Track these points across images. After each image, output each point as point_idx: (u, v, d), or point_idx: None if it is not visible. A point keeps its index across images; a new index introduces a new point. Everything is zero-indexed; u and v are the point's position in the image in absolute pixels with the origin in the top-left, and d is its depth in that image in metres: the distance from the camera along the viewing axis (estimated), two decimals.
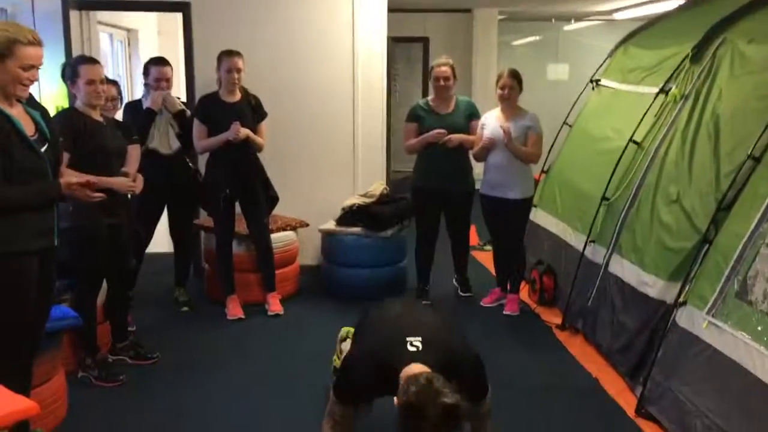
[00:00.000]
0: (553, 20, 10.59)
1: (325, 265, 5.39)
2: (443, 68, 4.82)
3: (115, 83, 4.52)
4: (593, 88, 5.40)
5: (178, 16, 5.56)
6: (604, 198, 4.30)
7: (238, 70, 4.53)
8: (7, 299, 2.68)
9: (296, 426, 3.35)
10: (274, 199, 4.90)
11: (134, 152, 3.94)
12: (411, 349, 2.42)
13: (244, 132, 4.50)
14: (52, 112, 3.46)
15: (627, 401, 3.53)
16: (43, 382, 3.11)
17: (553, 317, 4.74)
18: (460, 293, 5.16)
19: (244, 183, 4.68)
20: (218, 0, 5.44)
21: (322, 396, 3.41)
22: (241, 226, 4.91)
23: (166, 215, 4.92)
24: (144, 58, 7.21)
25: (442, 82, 4.81)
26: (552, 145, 5.56)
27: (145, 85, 4.77)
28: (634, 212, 4.01)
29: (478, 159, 4.83)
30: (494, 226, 4.93)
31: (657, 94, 4.18)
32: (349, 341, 3.34)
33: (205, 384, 3.78)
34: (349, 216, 5.22)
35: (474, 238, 6.36)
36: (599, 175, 4.46)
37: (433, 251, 5.08)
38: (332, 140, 5.70)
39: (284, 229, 5.17)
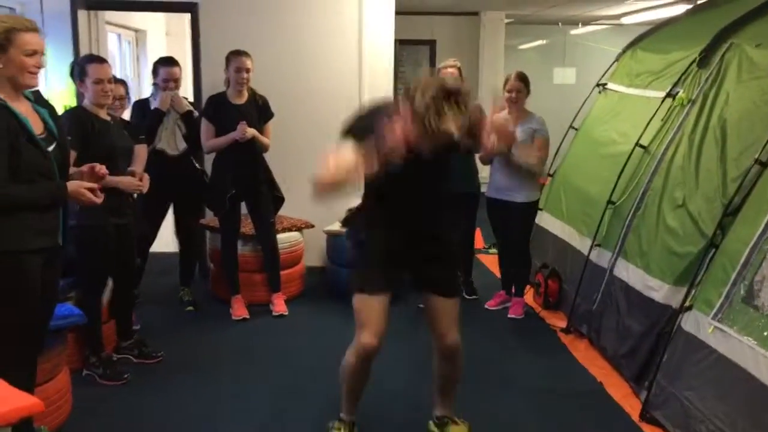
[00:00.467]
0: (560, 24, 10.58)
1: (330, 266, 5.39)
2: (450, 69, 4.81)
3: (122, 82, 4.54)
4: (600, 92, 5.39)
5: (186, 17, 5.59)
6: (609, 202, 4.29)
7: (247, 70, 4.54)
8: (12, 297, 2.68)
9: (300, 426, 3.34)
10: (279, 200, 4.91)
11: (141, 152, 3.96)
12: None
13: (251, 132, 4.51)
14: (59, 111, 3.47)
15: (631, 406, 3.51)
16: (48, 379, 3.12)
17: (557, 321, 4.73)
18: (465, 296, 5.15)
19: (251, 183, 4.69)
20: (226, 1, 5.46)
21: (326, 396, 3.42)
22: (246, 227, 4.92)
23: (172, 215, 4.94)
24: (152, 58, 7.24)
25: None
26: (558, 149, 5.55)
27: (154, 84, 4.78)
28: (640, 216, 4.00)
29: (484, 162, 4.83)
30: (499, 230, 4.93)
31: (664, 98, 4.17)
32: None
33: (209, 383, 3.78)
34: (354, 217, 5.20)
35: (479, 241, 6.35)
36: (605, 179, 4.45)
37: None
38: (339, 141, 5.69)
39: (289, 230, 5.17)
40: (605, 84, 5.33)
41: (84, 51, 5.13)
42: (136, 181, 3.74)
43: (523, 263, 4.90)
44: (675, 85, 4.13)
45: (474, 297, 5.17)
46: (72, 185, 2.77)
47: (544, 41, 11.08)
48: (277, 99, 4.92)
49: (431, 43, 10.17)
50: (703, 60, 3.95)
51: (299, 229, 5.28)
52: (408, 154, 2.49)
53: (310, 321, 4.79)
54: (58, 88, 5.19)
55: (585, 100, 5.54)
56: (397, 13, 5.67)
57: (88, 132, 3.56)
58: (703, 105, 3.78)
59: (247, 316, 4.75)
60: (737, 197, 3.21)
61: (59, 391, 3.21)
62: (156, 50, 7.68)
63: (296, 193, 5.24)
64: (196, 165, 4.89)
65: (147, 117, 4.58)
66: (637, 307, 3.80)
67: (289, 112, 5.33)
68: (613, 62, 5.45)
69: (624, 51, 5.39)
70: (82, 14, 5.24)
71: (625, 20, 9.64)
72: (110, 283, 3.91)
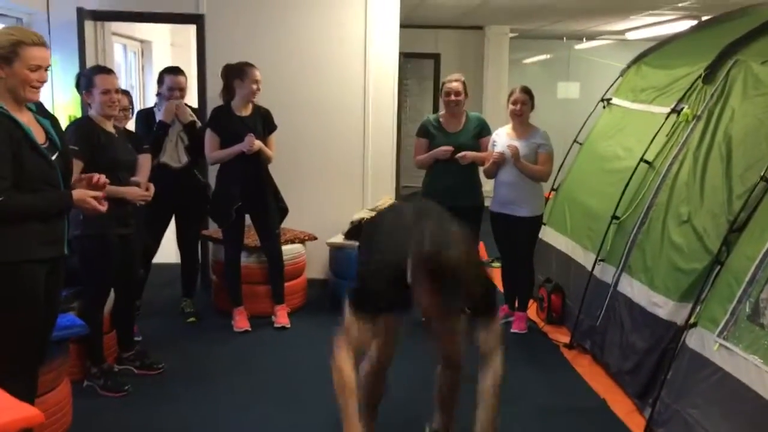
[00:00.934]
0: (564, 39, 10.61)
1: (332, 278, 5.37)
2: (454, 84, 4.82)
3: (126, 93, 4.55)
4: (604, 107, 5.40)
5: (192, 29, 5.60)
6: (614, 217, 4.28)
7: (259, 82, 4.56)
8: (15, 307, 2.67)
9: None
10: (283, 211, 4.90)
11: (145, 162, 3.96)
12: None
13: (258, 144, 4.51)
14: (64, 122, 3.48)
15: (635, 423, 3.48)
16: (49, 390, 3.10)
17: (560, 336, 4.71)
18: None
19: (256, 195, 4.68)
20: (232, 13, 5.48)
21: (328, 409, 3.39)
22: (250, 238, 4.91)
23: (174, 226, 4.93)
24: (157, 69, 7.27)
25: (453, 97, 4.81)
26: (562, 164, 5.55)
27: (158, 94, 4.79)
28: (645, 232, 3.98)
29: (488, 176, 4.82)
30: (503, 243, 4.91)
31: (669, 114, 4.17)
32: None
33: (210, 396, 3.76)
34: (358, 230, 5.20)
35: (483, 255, 6.33)
36: (609, 194, 4.44)
37: None
38: (342, 154, 5.71)
39: (292, 242, 5.16)
40: (610, 99, 5.33)
41: (90, 62, 5.15)
42: (142, 191, 3.74)
43: (526, 278, 4.88)
44: (680, 100, 4.13)
45: None
46: (77, 193, 2.77)
47: (549, 56, 11.11)
48: (281, 110, 4.93)
49: (436, 57, 10.20)
50: (709, 76, 3.96)
51: (302, 242, 5.28)
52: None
53: (311, 333, 4.77)
54: (63, 99, 5.21)
55: (589, 115, 5.54)
56: (402, 26, 5.69)
57: (94, 143, 3.56)
58: (708, 121, 3.78)
59: (249, 328, 4.73)
60: (743, 214, 3.20)
61: (60, 402, 3.20)
62: (161, 61, 7.70)
63: (299, 205, 5.26)
64: (200, 178, 4.90)
65: (152, 130, 4.58)
66: (641, 324, 3.77)
67: (293, 123, 5.34)
68: (618, 77, 5.46)
69: (629, 66, 5.40)
70: (88, 25, 5.26)
71: (629, 35, 9.67)
72: (112, 293, 3.90)
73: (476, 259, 2.58)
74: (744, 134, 3.47)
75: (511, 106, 4.70)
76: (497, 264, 5.70)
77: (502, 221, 4.76)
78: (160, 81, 4.74)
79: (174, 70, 4.75)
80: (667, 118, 4.17)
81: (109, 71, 3.76)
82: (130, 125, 4.64)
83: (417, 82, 10.89)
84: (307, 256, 5.37)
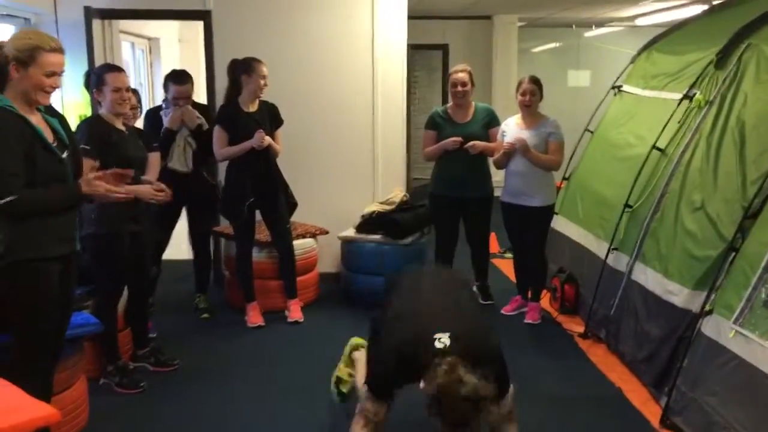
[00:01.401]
0: (573, 26, 10.53)
1: (345, 272, 5.38)
2: (460, 74, 4.80)
3: (135, 92, 4.55)
4: (615, 95, 5.35)
5: (199, 25, 5.60)
6: (627, 205, 4.25)
7: (267, 77, 4.56)
8: (29, 305, 2.69)
9: None
10: (293, 205, 4.91)
11: (154, 160, 3.97)
12: (438, 345, 2.40)
13: (268, 140, 4.51)
14: (74, 120, 3.49)
15: (651, 412, 3.47)
16: (65, 388, 3.12)
17: (575, 326, 4.69)
18: (481, 301, 5.11)
19: (267, 190, 4.68)
20: (239, 8, 5.47)
21: (341, 404, 3.40)
22: (261, 234, 4.92)
23: (186, 222, 4.94)
24: (165, 65, 7.28)
25: (459, 88, 4.79)
26: (573, 152, 5.51)
27: (165, 100, 4.80)
28: (658, 220, 3.95)
29: (498, 166, 4.80)
30: (515, 234, 4.89)
31: (681, 100, 4.13)
32: (362, 352, 3.32)
33: (225, 391, 3.77)
34: (369, 223, 5.20)
35: (495, 246, 6.32)
36: (622, 182, 4.41)
37: (452, 258, 5.05)
38: (352, 147, 5.70)
39: (304, 237, 5.17)
40: (620, 86, 5.29)
41: (99, 61, 5.16)
42: (153, 189, 3.74)
43: (539, 268, 4.86)
44: (692, 86, 4.09)
45: (490, 302, 5.13)
46: (84, 182, 2.76)
47: (558, 44, 11.04)
48: (289, 105, 4.92)
49: (444, 48, 10.14)
50: (721, 61, 3.91)
51: (313, 236, 5.28)
52: None
53: (325, 327, 4.77)
54: (73, 99, 5.22)
55: (600, 103, 5.50)
56: (410, 17, 5.66)
57: (106, 142, 3.57)
58: (720, 106, 3.74)
59: (263, 324, 4.74)
60: (757, 200, 3.17)
61: (76, 400, 3.22)
62: (169, 57, 7.72)
63: (310, 199, 5.26)
64: (209, 179, 4.89)
65: (159, 130, 4.58)
66: (655, 312, 3.75)
67: (302, 117, 5.33)
68: (629, 64, 5.42)
69: (639, 53, 5.35)
70: (96, 24, 5.27)
71: (639, 22, 9.58)
72: (125, 291, 3.91)
73: (487, 349, 2.57)
74: (757, 119, 3.43)
75: (519, 97, 4.67)
76: (509, 255, 5.69)
77: (513, 212, 4.73)
78: (166, 87, 4.74)
79: (178, 79, 4.69)
80: (679, 105, 4.13)
81: (119, 69, 3.77)
82: (139, 123, 4.65)
83: (426, 73, 10.85)
84: (319, 250, 5.37)
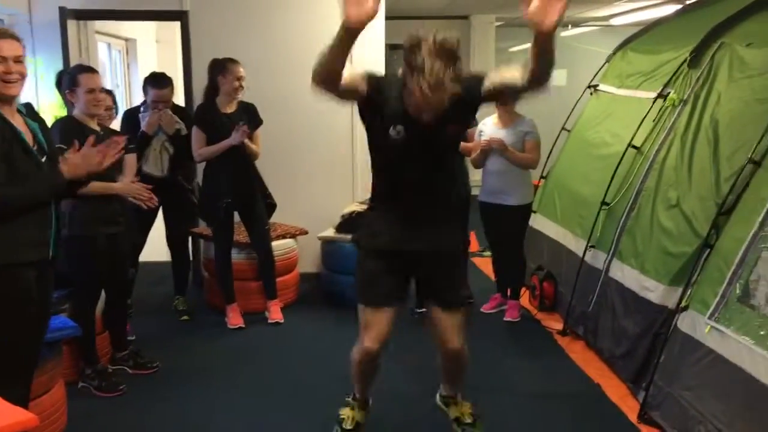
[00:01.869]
0: None
1: (325, 272, 5.37)
2: None
3: (109, 93, 4.52)
4: (591, 94, 5.40)
5: (176, 25, 5.57)
6: (603, 203, 4.29)
7: (243, 79, 4.54)
8: (5, 312, 2.65)
9: None
10: (272, 206, 4.90)
11: (130, 161, 3.94)
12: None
13: (246, 132, 4.48)
14: (50, 121, 3.45)
15: (629, 407, 3.51)
16: (43, 392, 3.09)
17: (553, 323, 4.73)
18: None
19: (244, 191, 4.67)
20: (216, 9, 5.45)
21: (323, 404, 3.40)
22: (240, 235, 4.90)
23: (162, 224, 4.91)
24: (143, 66, 7.23)
25: None
26: (551, 151, 5.55)
27: (144, 103, 4.76)
28: (634, 217, 4.00)
29: (476, 166, 4.82)
30: (493, 233, 4.92)
31: (655, 99, 4.18)
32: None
33: (205, 393, 3.76)
34: (348, 223, 5.20)
35: (474, 244, 6.35)
36: (598, 180, 4.45)
37: None
38: (331, 148, 5.70)
39: (284, 237, 5.16)
40: (596, 85, 5.34)
41: (74, 61, 5.11)
42: (143, 189, 3.70)
43: (517, 266, 4.89)
44: (666, 85, 4.14)
45: (470, 300, 5.15)
46: (65, 163, 2.70)
47: None
48: (267, 105, 4.90)
49: None
50: (694, 60, 3.96)
51: (293, 236, 5.27)
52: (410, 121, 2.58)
53: (305, 328, 4.77)
54: (48, 100, 5.17)
55: (576, 102, 5.55)
56: (387, 17, 5.67)
57: (81, 142, 3.52)
58: (694, 105, 3.79)
59: (243, 325, 4.72)
60: (731, 196, 3.21)
61: (55, 404, 3.19)
62: (147, 58, 7.66)
63: (289, 200, 5.25)
64: (184, 183, 4.85)
65: (136, 131, 4.54)
66: (632, 308, 3.80)
67: (281, 118, 5.32)
68: (604, 63, 5.47)
69: (614, 52, 5.41)
70: (71, 25, 5.22)
71: (614, 21, 9.67)
72: (103, 294, 3.88)
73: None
74: (730, 117, 3.48)
75: None
76: (488, 254, 5.72)
77: (491, 211, 4.76)
78: (145, 90, 4.70)
79: (158, 83, 4.63)
80: (653, 103, 4.18)
81: (93, 70, 3.73)
82: (115, 124, 4.61)
83: None
84: (299, 250, 5.36)
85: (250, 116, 4.66)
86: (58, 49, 5.07)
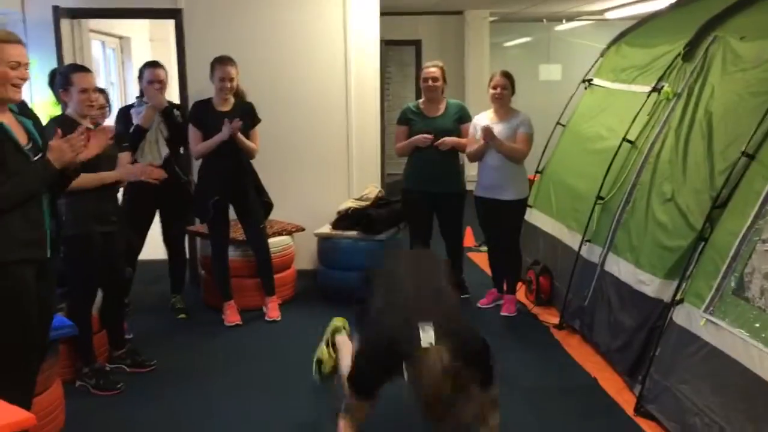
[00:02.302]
0: (544, 21, 10.61)
1: (321, 269, 5.38)
2: (431, 69, 4.85)
3: (102, 91, 4.51)
4: (586, 88, 5.41)
5: (170, 23, 5.56)
6: (598, 197, 4.30)
7: (231, 79, 4.52)
8: (5, 311, 2.64)
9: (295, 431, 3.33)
10: (268, 206, 4.90)
11: (125, 159, 3.94)
12: (423, 335, 2.40)
13: (237, 126, 4.47)
14: (44, 120, 3.44)
15: (626, 400, 3.53)
16: (40, 391, 3.09)
17: (550, 317, 4.74)
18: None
19: (236, 189, 4.67)
20: (210, 6, 5.44)
21: (321, 401, 3.41)
22: (237, 232, 4.90)
23: (159, 223, 4.90)
24: (137, 64, 7.20)
25: (429, 83, 4.83)
26: (546, 146, 5.56)
27: (138, 98, 4.75)
28: (629, 211, 4.01)
29: (472, 159, 4.83)
30: (489, 228, 4.93)
31: (650, 93, 4.18)
32: (344, 333, 3.34)
33: (203, 391, 3.76)
34: (345, 220, 5.21)
35: (470, 240, 6.36)
36: (593, 175, 4.46)
37: None
38: (326, 144, 5.70)
39: (280, 234, 5.16)
40: (591, 80, 5.34)
41: (68, 60, 5.10)
42: (149, 167, 3.73)
43: (513, 261, 4.90)
44: (660, 79, 4.14)
45: (466, 295, 5.17)
46: (51, 149, 2.68)
47: (529, 38, 11.11)
48: (263, 102, 4.90)
49: (417, 43, 10.18)
50: (688, 53, 3.97)
51: (289, 233, 5.27)
52: None
53: (303, 324, 4.77)
54: (42, 99, 5.16)
55: (571, 97, 5.55)
56: (382, 14, 5.67)
57: None
58: (688, 98, 3.80)
59: (240, 322, 4.73)
60: (725, 190, 3.22)
61: (52, 403, 3.19)
62: (141, 56, 7.63)
63: (285, 197, 5.25)
64: (181, 174, 4.85)
65: (129, 134, 4.52)
66: (628, 302, 3.81)
67: (276, 115, 5.32)
68: (598, 58, 5.47)
69: (609, 46, 5.41)
70: (65, 23, 5.20)
71: (609, 15, 9.68)
72: (100, 293, 3.88)
73: (468, 336, 2.58)
74: (724, 110, 3.49)
75: (491, 91, 4.71)
76: (484, 248, 5.74)
77: (487, 206, 4.77)
78: (140, 76, 4.70)
79: (152, 64, 4.69)
80: (648, 97, 4.18)
81: (86, 70, 3.73)
82: (109, 122, 4.60)
83: (398, 69, 10.87)
84: (296, 247, 5.36)
85: (245, 114, 4.65)
86: (51, 48, 5.06)
